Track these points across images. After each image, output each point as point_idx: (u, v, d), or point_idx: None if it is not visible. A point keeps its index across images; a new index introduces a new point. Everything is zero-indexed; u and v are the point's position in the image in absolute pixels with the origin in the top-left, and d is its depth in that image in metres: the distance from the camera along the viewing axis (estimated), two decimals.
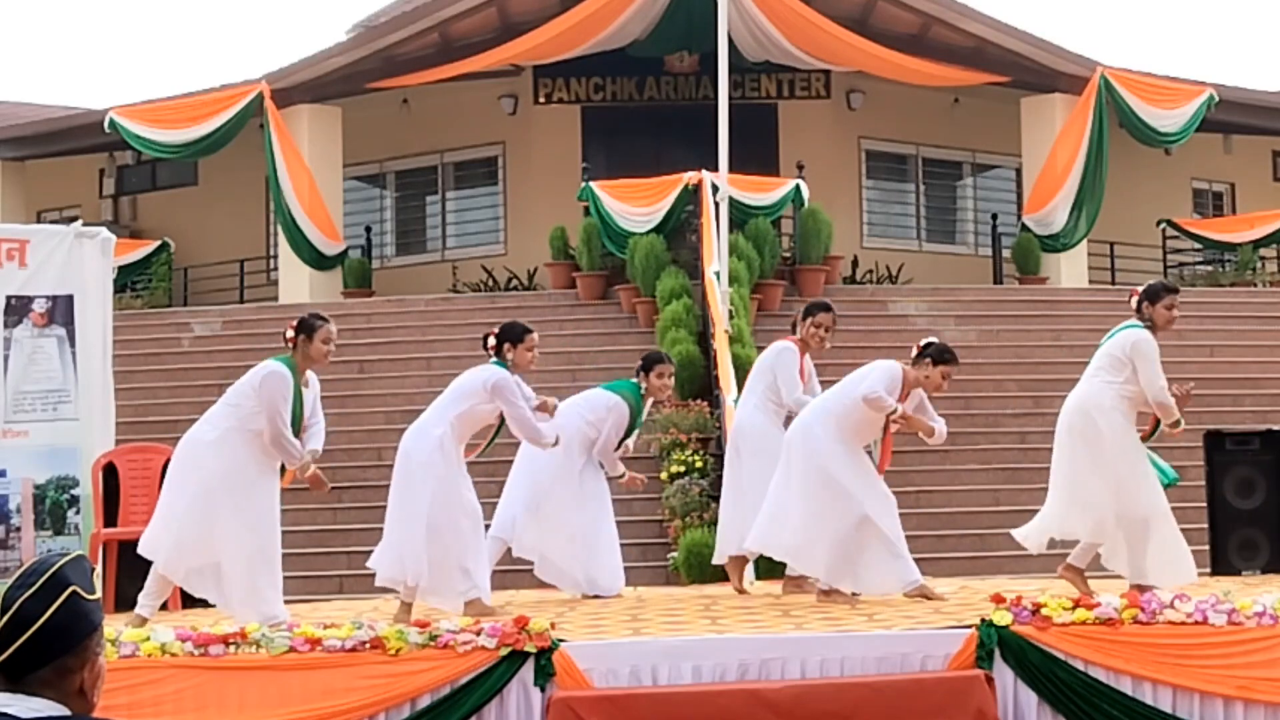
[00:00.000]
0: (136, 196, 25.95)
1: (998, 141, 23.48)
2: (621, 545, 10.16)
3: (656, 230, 18.30)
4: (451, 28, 21.57)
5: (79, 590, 2.77)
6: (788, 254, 19.41)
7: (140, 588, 9.53)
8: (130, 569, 10.34)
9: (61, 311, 10.71)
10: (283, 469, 8.28)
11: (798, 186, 19.18)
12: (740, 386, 14.48)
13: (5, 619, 2.73)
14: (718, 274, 15.70)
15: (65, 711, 2.73)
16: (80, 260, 10.85)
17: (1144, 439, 8.56)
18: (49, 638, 2.73)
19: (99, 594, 2.80)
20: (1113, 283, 22.94)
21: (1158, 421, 8.65)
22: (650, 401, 9.92)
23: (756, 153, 20.54)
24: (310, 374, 8.33)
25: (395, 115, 23.12)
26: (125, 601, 10.18)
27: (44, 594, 2.75)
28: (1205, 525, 11.08)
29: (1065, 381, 15.63)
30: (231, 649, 6.91)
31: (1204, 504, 11.17)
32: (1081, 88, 21.83)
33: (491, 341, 8.67)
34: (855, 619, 7.81)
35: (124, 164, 25.52)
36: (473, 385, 8.52)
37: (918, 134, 23.64)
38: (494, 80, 22.51)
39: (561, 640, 6.88)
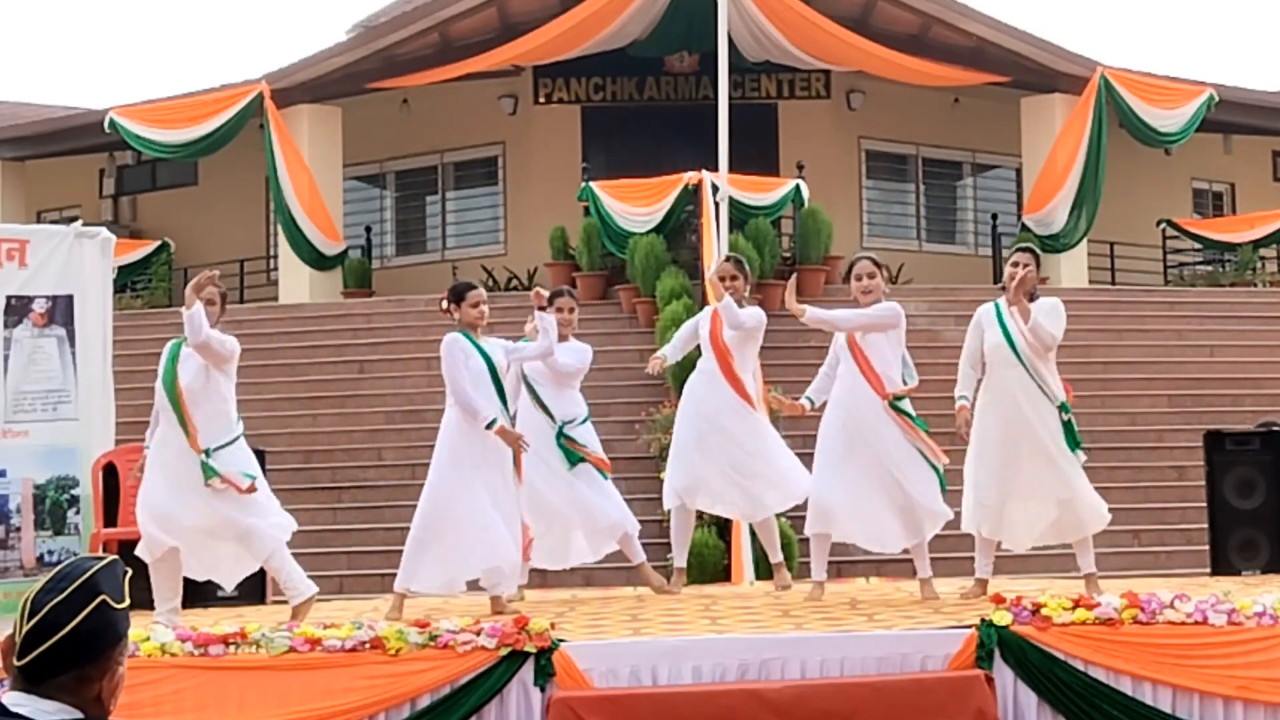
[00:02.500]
0: (136, 196, 25.96)
1: (998, 141, 23.48)
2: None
3: (656, 230, 18.30)
4: (451, 28, 21.57)
5: (108, 599, 2.74)
6: (788, 254, 19.40)
7: (140, 587, 9.54)
8: (130, 569, 10.33)
9: (61, 311, 10.69)
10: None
11: (798, 186, 19.17)
12: None
13: (33, 623, 2.71)
14: None
15: (79, 715, 2.72)
16: (80, 260, 10.84)
17: None
18: (74, 646, 2.71)
19: (128, 601, 2.78)
20: (1113, 283, 22.95)
21: None
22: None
23: (756, 153, 20.55)
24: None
25: (395, 115, 23.12)
26: None
27: (74, 601, 2.72)
28: (1205, 525, 11.09)
29: (1064, 381, 15.61)
30: (231, 649, 6.91)
31: (1204, 504, 11.17)
32: (1081, 88, 21.83)
33: (444, 305, 8.77)
34: (855, 619, 7.81)
35: (124, 164, 25.53)
36: None
37: (918, 134, 23.64)
38: (494, 80, 22.51)
39: (561, 640, 6.88)
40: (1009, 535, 8.76)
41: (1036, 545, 9.08)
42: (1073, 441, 8.52)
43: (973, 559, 8.89)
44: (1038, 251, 8.99)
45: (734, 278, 9.65)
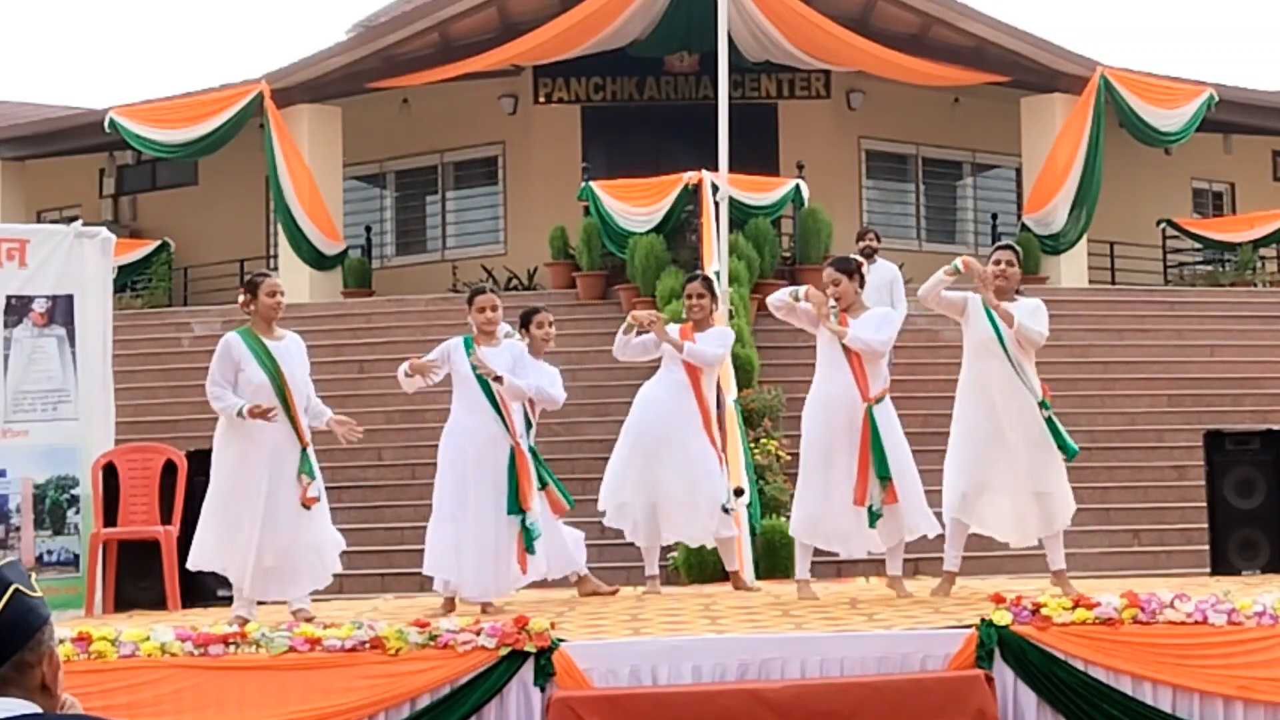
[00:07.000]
0: (136, 196, 25.95)
1: (998, 141, 23.47)
2: (621, 545, 10.14)
3: (656, 230, 18.30)
4: (451, 28, 21.57)
5: (21, 589, 2.78)
6: (788, 254, 19.42)
7: (140, 587, 9.53)
8: (130, 569, 10.35)
9: (61, 311, 10.70)
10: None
11: (798, 186, 19.17)
12: (742, 385, 14.52)
13: None
14: (718, 274, 15.68)
15: (36, 709, 2.74)
16: (80, 260, 10.85)
17: None
18: (3, 635, 2.73)
19: (40, 593, 2.82)
20: (1113, 283, 22.95)
21: None
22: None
23: (756, 153, 20.53)
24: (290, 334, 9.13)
25: (395, 115, 23.12)
26: (125, 601, 10.17)
27: None
28: (1205, 525, 11.09)
29: (1064, 381, 15.64)
30: (231, 649, 6.91)
31: (1204, 504, 11.17)
32: (1081, 88, 21.83)
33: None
34: (855, 619, 7.81)
35: (124, 164, 25.52)
36: None
37: (918, 134, 23.63)
38: (494, 80, 22.50)
39: (561, 640, 6.88)
40: (986, 525, 8.86)
41: (1015, 545, 9.16)
42: (1061, 442, 8.58)
43: (971, 558, 8.91)
44: (1018, 249, 9.04)
45: (700, 296, 9.51)
